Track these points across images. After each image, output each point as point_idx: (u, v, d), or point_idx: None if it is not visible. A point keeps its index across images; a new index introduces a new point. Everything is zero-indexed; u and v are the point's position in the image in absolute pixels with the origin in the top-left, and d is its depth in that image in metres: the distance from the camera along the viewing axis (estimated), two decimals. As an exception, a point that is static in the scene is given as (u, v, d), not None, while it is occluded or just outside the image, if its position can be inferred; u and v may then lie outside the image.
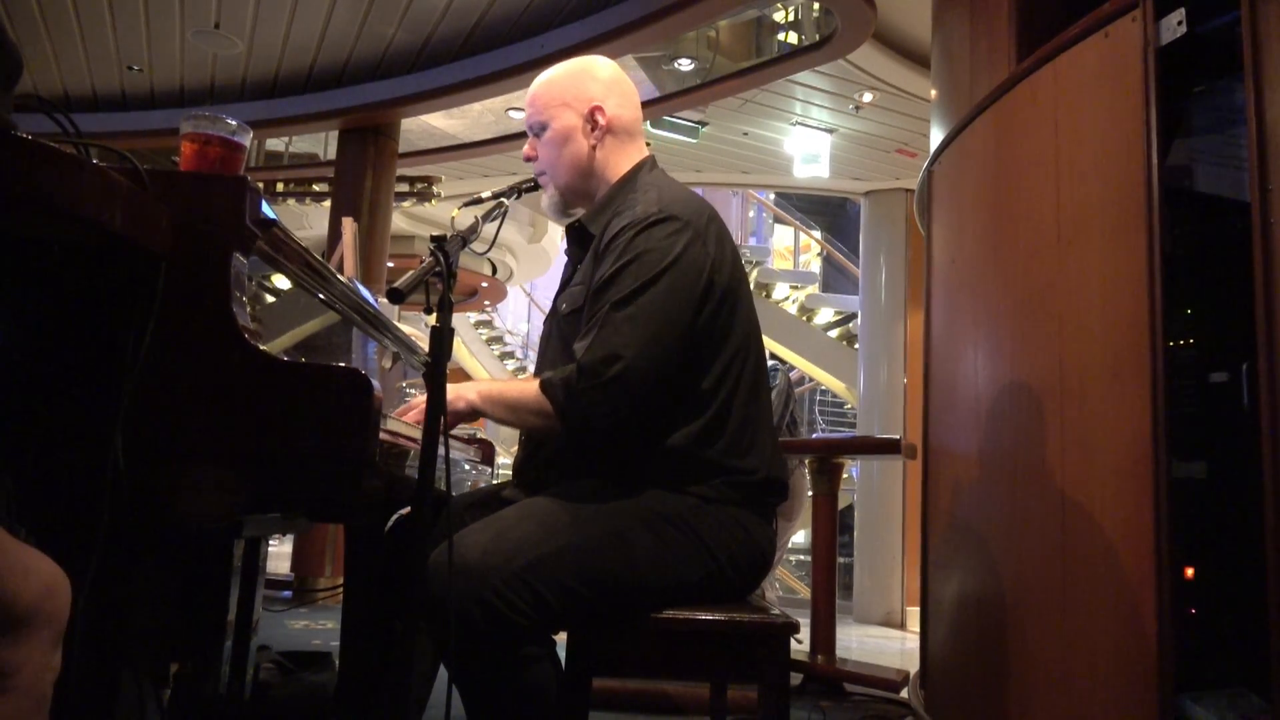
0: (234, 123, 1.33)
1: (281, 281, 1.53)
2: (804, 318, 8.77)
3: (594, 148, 1.57)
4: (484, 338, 13.50)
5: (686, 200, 1.49)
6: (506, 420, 1.48)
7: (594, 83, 1.59)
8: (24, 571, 0.85)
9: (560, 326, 1.57)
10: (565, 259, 1.69)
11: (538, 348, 1.68)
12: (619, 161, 1.59)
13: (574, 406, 1.38)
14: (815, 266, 10.73)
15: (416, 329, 2.33)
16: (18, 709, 0.84)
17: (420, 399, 1.58)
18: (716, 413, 1.46)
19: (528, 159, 1.62)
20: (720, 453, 1.45)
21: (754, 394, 1.51)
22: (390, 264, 5.70)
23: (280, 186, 7.06)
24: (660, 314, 1.39)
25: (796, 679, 3.31)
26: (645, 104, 5.30)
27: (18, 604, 0.83)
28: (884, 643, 5.10)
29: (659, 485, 1.44)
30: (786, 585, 8.27)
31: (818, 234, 10.56)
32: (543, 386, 1.41)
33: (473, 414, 1.49)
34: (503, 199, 1.53)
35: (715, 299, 1.46)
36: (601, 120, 1.57)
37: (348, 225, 2.51)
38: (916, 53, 4.73)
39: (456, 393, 1.47)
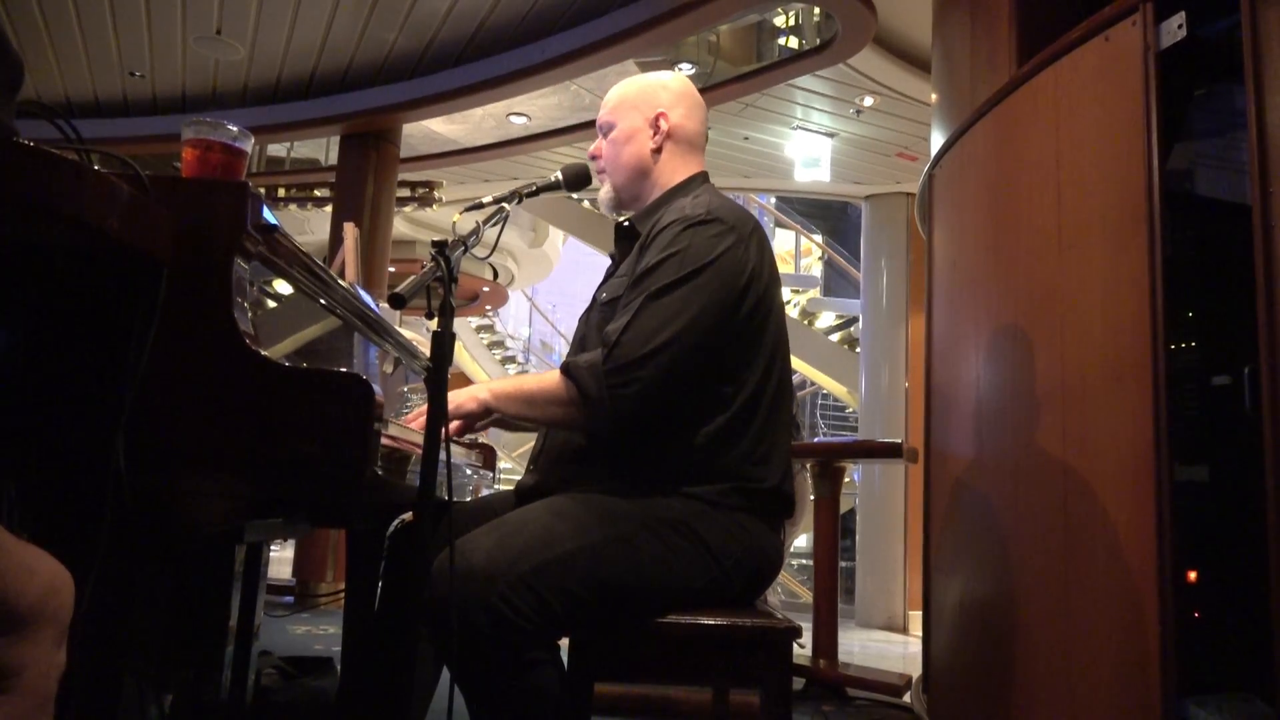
0: (235, 128, 1.33)
1: (283, 286, 1.53)
2: (805, 321, 8.78)
3: (655, 151, 1.63)
4: (485, 342, 13.51)
5: (734, 209, 1.54)
6: (523, 415, 1.49)
7: (664, 91, 1.65)
8: (27, 571, 0.85)
9: (597, 315, 1.59)
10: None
11: (570, 346, 1.70)
12: (675, 169, 1.64)
13: (599, 388, 1.39)
14: (816, 270, 10.75)
15: (418, 334, 2.34)
16: (23, 708, 0.84)
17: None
18: (738, 417, 1.46)
19: (592, 157, 1.69)
20: (736, 458, 1.46)
21: (776, 406, 1.52)
22: (391, 269, 5.71)
23: (282, 192, 7.08)
24: (696, 308, 1.42)
25: (799, 683, 3.31)
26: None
27: (21, 603, 0.83)
28: (886, 647, 5.09)
29: (672, 483, 1.44)
30: (789, 589, 8.26)
31: (819, 238, 10.57)
32: (566, 370, 1.43)
33: (486, 413, 1.49)
34: (504, 204, 1.53)
35: (750, 304, 1.48)
36: (665, 126, 1.62)
37: (349, 230, 2.52)
38: (917, 57, 4.73)
39: (468, 393, 1.49)
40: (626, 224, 1.65)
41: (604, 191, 1.68)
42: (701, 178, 1.66)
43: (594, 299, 1.65)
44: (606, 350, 1.40)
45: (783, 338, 1.57)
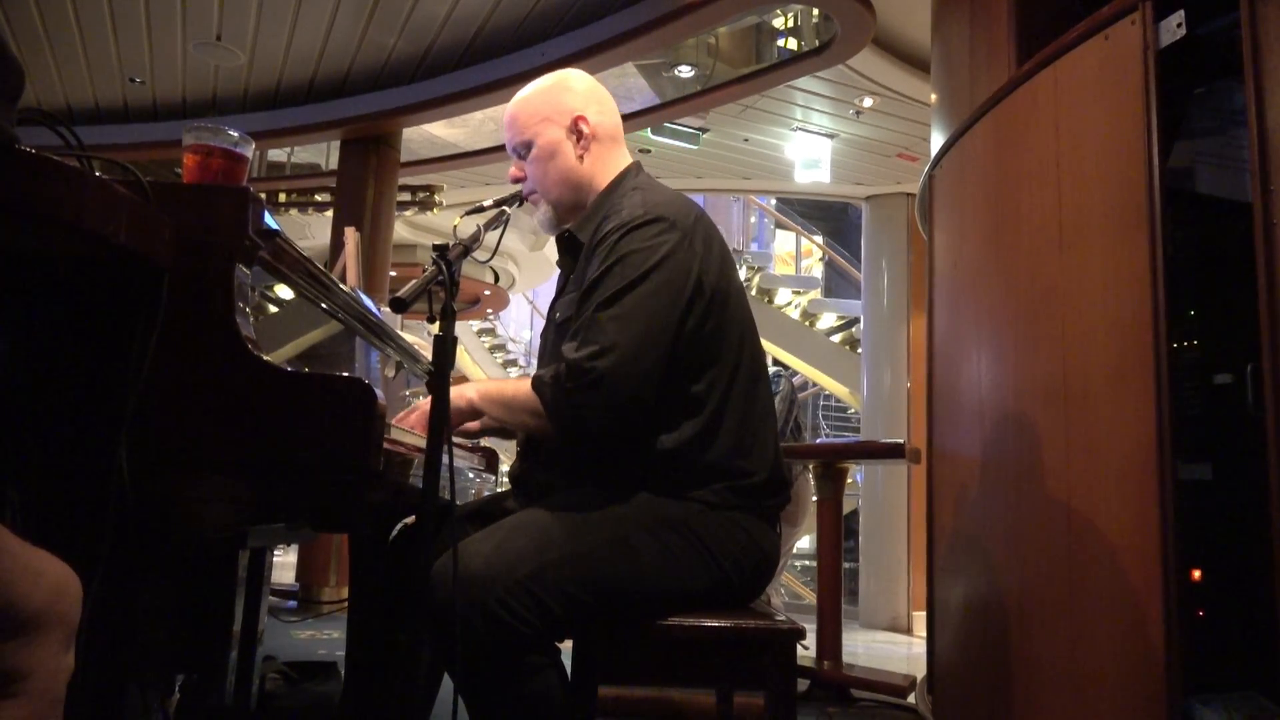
0: (236, 134, 1.33)
1: (284, 291, 1.54)
2: (806, 323, 8.77)
3: (580, 158, 1.57)
4: (487, 346, 13.51)
5: (672, 202, 1.49)
6: (504, 419, 1.48)
7: (571, 94, 1.59)
8: (34, 574, 0.84)
9: (553, 334, 1.58)
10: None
11: (538, 356, 1.69)
12: (605, 169, 1.59)
13: (563, 406, 1.38)
14: (817, 271, 10.74)
15: (419, 338, 2.34)
16: (31, 711, 0.83)
17: (420, 402, 1.58)
18: (713, 415, 1.45)
19: (515, 180, 1.62)
20: (719, 455, 1.45)
21: (751, 393, 1.50)
22: (393, 273, 5.72)
23: (283, 197, 7.08)
24: (647, 313, 1.38)
25: (803, 685, 3.30)
26: (646, 111, 5.32)
27: (28, 607, 0.83)
28: (890, 648, 5.08)
29: (659, 490, 1.43)
30: (792, 591, 8.25)
31: (819, 239, 10.57)
32: (533, 384, 1.42)
33: (473, 413, 1.48)
34: (504, 207, 1.53)
35: (705, 299, 1.45)
36: (585, 129, 1.57)
37: (350, 235, 2.52)
38: (916, 57, 4.73)
39: (458, 391, 1.47)
40: (567, 235, 1.60)
41: (541, 212, 1.61)
42: (633, 170, 1.61)
43: (550, 316, 1.62)
44: (566, 368, 1.37)
45: (747, 323, 1.54)
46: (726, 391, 1.47)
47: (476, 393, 1.48)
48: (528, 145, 1.58)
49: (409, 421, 1.53)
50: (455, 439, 1.55)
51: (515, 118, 1.60)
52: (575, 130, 1.57)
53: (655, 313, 1.39)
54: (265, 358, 1.19)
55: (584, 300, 1.43)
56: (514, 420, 1.48)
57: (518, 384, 1.46)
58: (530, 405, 1.42)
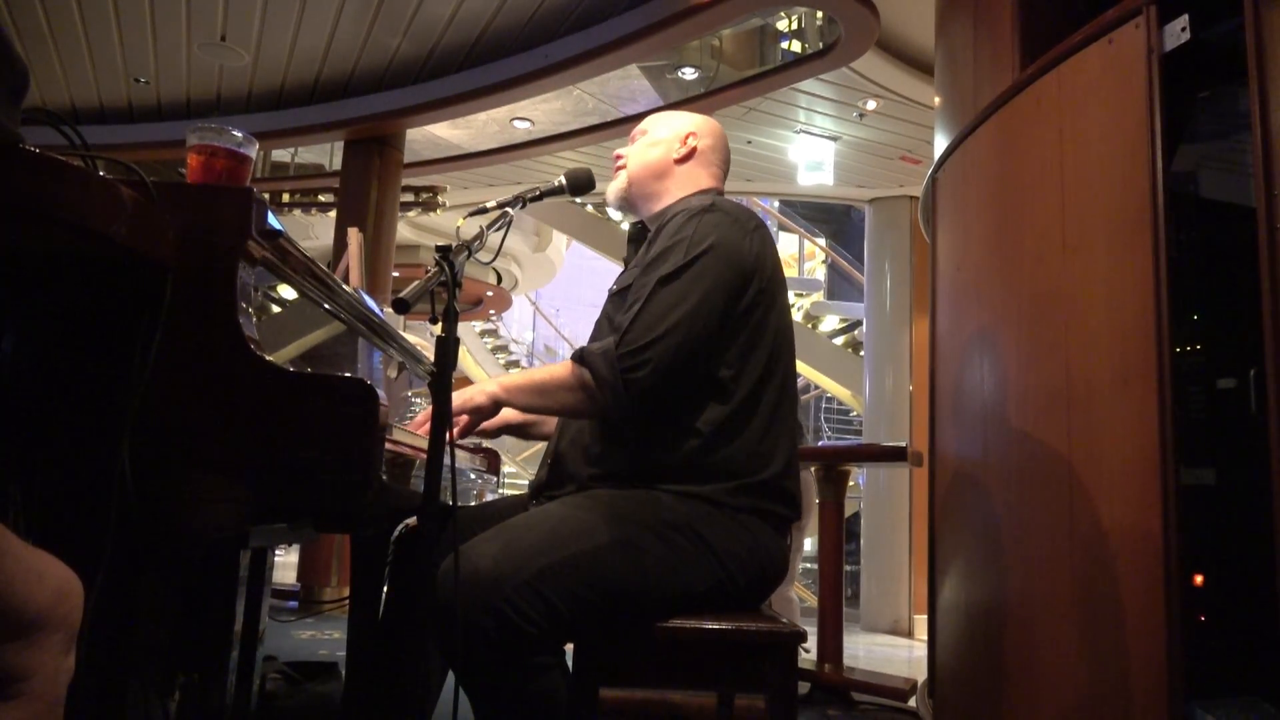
0: (240, 134, 1.34)
1: (287, 292, 1.54)
2: (809, 325, 8.78)
3: (675, 160, 1.71)
4: (489, 346, 13.52)
5: (738, 206, 1.61)
6: (534, 405, 1.52)
7: (693, 123, 1.77)
8: (36, 576, 0.85)
9: (609, 305, 1.64)
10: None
11: (594, 329, 1.74)
12: (689, 180, 1.71)
13: (613, 372, 1.42)
14: (820, 274, 10.76)
15: (422, 338, 2.34)
16: (31, 713, 0.83)
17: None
18: (741, 408, 1.48)
19: (617, 157, 1.78)
20: (739, 451, 1.46)
21: (779, 407, 1.54)
22: (396, 274, 5.72)
23: (286, 197, 7.08)
24: (703, 289, 1.46)
25: (804, 688, 3.30)
26: (649, 113, 5.32)
27: (29, 609, 0.83)
28: (891, 651, 5.08)
29: (677, 478, 1.44)
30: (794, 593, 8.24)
31: (822, 241, 10.57)
32: (579, 357, 1.47)
33: (495, 407, 1.51)
34: (508, 208, 1.54)
35: (752, 292, 1.52)
36: (691, 143, 1.73)
37: (353, 235, 2.52)
38: (920, 60, 4.73)
39: (477, 388, 1.50)
40: (639, 225, 1.74)
41: (617, 183, 1.74)
42: (714, 191, 1.72)
43: (610, 293, 1.69)
44: (619, 336, 1.44)
45: (786, 340, 1.59)
46: (756, 389, 1.50)
47: (500, 386, 1.50)
48: (645, 132, 1.76)
49: (425, 430, 1.53)
50: (462, 439, 1.56)
51: (654, 118, 1.80)
52: (684, 141, 1.73)
53: (710, 289, 1.47)
54: (268, 358, 1.19)
55: (644, 274, 1.52)
56: (548, 403, 1.51)
57: (549, 368, 1.52)
58: (569, 381, 1.46)
